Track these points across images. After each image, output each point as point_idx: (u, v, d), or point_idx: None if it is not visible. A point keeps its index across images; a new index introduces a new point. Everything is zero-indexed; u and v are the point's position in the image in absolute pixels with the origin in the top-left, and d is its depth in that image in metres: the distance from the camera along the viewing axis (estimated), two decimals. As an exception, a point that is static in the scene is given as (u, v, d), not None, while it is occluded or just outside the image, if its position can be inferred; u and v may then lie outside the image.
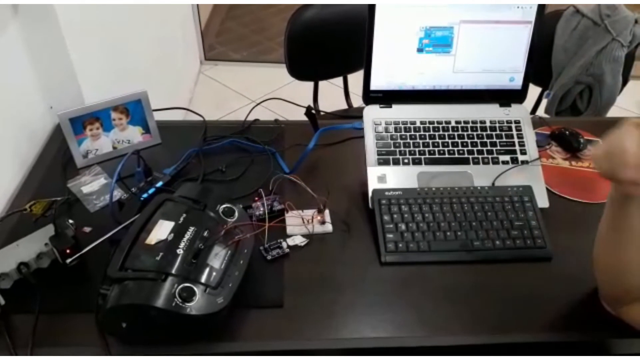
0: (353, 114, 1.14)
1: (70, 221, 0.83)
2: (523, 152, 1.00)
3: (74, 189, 0.98)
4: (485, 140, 1.01)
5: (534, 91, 1.54)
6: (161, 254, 0.71)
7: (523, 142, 1.01)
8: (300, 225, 0.90)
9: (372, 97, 1.03)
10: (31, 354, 0.71)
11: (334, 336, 0.75)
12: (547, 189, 0.97)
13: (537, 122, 1.14)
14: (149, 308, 0.66)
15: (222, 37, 3.18)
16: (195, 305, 0.67)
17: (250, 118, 1.15)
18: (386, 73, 1.01)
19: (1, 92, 0.99)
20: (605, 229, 0.71)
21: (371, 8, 0.95)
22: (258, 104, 1.18)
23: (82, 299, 0.76)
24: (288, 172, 1.00)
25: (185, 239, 0.73)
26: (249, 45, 3.11)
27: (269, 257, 0.84)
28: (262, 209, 0.91)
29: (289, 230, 0.90)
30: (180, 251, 0.72)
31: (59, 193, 0.96)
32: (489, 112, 1.04)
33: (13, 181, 1.01)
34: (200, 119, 1.15)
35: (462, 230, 0.88)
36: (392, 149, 0.99)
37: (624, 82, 1.58)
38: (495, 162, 0.99)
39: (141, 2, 1.75)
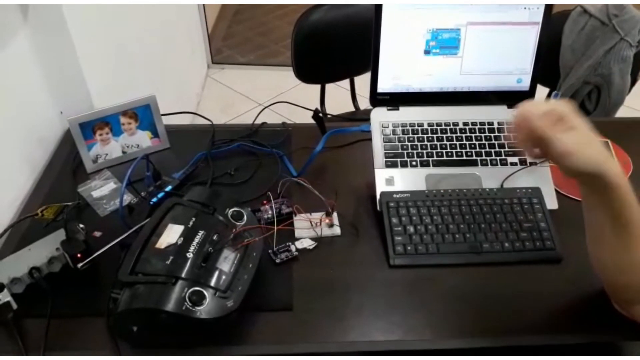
0: (360, 117, 1.14)
1: (81, 226, 0.84)
2: (531, 154, 0.99)
3: (84, 194, 0.98)
4: (493, 141, 1.00)
5: (541, 92, 1.53)
6: (171, 257, 0.71)
7: (531, 143, 1.00)
8: (309, 228, 0.90)
9: (379, 99, 1.03)
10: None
11: (343, 339, 0.75)
12: (556, 190, 0.96)
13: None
14: (160, 312, 0.66)
15: (229, 41, 3.20)
16: (205, 309, 0.68)
17: (258, 121, 1.16)
18: (393, 75, 1.01)
19: (12, 98, 1.01)
20: (599, 232, 0.69)
21: (378, 10, 0.95)
22: (265, 107, 1.19)
23: (93, 303, 0.77)
24: (296, 175, 1.01)
25: (194, 243, 0.74)
26: (255, 49, 3.13)
27: (277, 261, 0.85)
28: (270, 212, 0.91)
29: (297, 233, 0.90)
30: (190, 255, 0.72)
31: (69, 198, 0.97)
32: (497, 114, 1.03)
33: (24, 186, 1.02)
34: (208, 122, 1.15)
35: (470, 233, 0.88)
36: (400, 151, 0.99)
37: (633, 82, 1.56)
38: (504, 163, 0.99)
39: (148, 7, 1.76)
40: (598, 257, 0.72)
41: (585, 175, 0.64)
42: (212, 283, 0.71)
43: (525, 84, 1.04)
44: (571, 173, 0.65)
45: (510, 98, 1.05)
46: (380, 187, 0.95)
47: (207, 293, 0.69)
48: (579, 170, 0.64)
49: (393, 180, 0.96)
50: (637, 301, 0.70)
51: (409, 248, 0.86)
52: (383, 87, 1.02)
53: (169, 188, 0.94)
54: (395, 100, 1.03)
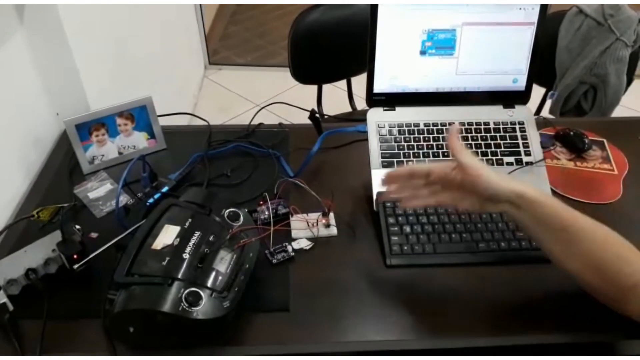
0: (357, 117, 1.14)
1: (77, 227, 0.83)
2: (527, 154, 1.00)
3: (81, 195, 0.98)
4: (489, 141, 1.01)
5: (538, 92, 1.53)
6: (167, 258, 0.71)
7: (527, 143, 1.01)
8: (305, 228, 0.90)
9: (376, 100, 1.04)
10: (40, 359, 0.72)
11: (340, 339, 0.76)
12: (552, 189, 0.97)
13: (541, 123, 1.14)
14: (156, 313, 0.66)
15: (226, 42, 3.20)
16: (202, 310, 0.68)
17: (255, 122, 1.16)
18: (389, 76, 1.02)
19: (8, 99, 1.00)
20: (546, 248, 0.72)
21: (373, 11, 0.95)
22: (262, 108, 1.19)
23: (90, 304, 0.77)
24: (292, 176, 1.01)
25: (191, 244, 0.74)
26: (253, 50, 3.13)
27: (274, 261, 0.85)
28: (267, 212, 0.91)
29: (294, 233, 0.90)
30: (186, 256, 0.72)
31: (65, 199, 0.96)
32: (493, 114, 1.04)
33: (20, 188, 1.02)
34: (205, 123, 1.15)
35: (467, 232, 0.88)
36: (396, 151, 0.99)
37: (629, 82, 1.57)
38: (500, 163, 0.99)
39: (145, 7, 1.76)
40: (562, 267, 0.72)
41: (505, 197, 0.69)
42: (209, 284, 0.71)
43: (521, 84, 1.04)
44: (489, 195, 0.70)
45: (506, 98, 1.05)
46: (377, 187, 0.95)
47: (204, 294, 0.69)
48: (496, 191, 0.69)
49: (389, 181, 0.96)
50: (623, 298, 0.70)
51: (405, 248, 0.86)
52: (379, 87, 1.02)
53: (165, 189, 0.94)
54: (392, 100, 1.04)
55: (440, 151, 0.99)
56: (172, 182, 0.98)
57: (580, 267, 0.70)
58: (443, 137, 1.01)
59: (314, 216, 0.91)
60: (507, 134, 1.01)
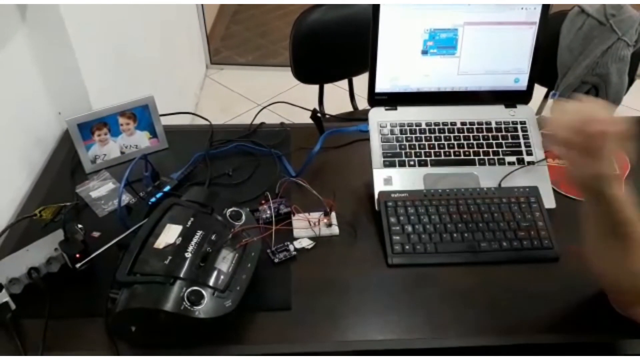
0: (358, 117, 1.14)
1: (80, 226, 0.84)
2: (529, 153, 1.00)
3: (83, 194, 0.98)
4: (491, 141, 1.01)
5: (540, 91, 1.53)
6: (169, 257, 0.71)
7: (529, 142, 1.01)
8: (307, 227, 0.90)
9: (377, 99, 1.04)
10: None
11: (342, 338, 0.76)
12: (553, 189, 0.97)
13: (542, 123, 1.14)
14: (158, 312, 0.67)
15: (228, 41, 3.20)
16: (204, 309, 0.68)
17: (256, 122, 1.16)
18: (391, 75, 1.02)
19: (10, 99, 1.01)
20: (598, 241, 0.70)
21: (375, 11, 0.95)
22: (264, 107, 1.19)
23: (92, 303, 0.77)
24: (294, 175, 1.01)
25: (193, 243, 0.74)
26: (254, 49, 3.13)
27: (276, 260, 0.85)
28: (268, 212, 0.91)
29: (295, 233, 0.90)
30: (188, 255, 0.72)
31: (67, 198, 0.97)
32: (495, 113, 1.04)
33: (22, 187, 1.02)
34: (207, 123, 1.15)
35: (468, 232, 0.88)
36: (398, 150, 0.99)
37: (630, 82, 1.57)
38: (501, 163, 0.99)
39: (146, 7, 1.76)
40: (597, 265, 0.72)
41: (586, 188, 0.68)
42: (211, 283, 0.71)
43: (523, 84, 1.04)
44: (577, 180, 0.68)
45: (507, 98, 1.05)
46: (379, 186, 0.95)
47: (206, 293, 0.69)
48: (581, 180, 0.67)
49: (391, 180, 0.96)
50: (636, 303, 0.70)
51: (407, 247, 0.86)
52: (381, 87, 1.02)
53: (167, 188, 0.94)
54: (393, 100, 1.04)
55: (442, 151, 0.99)
56: (174, 182, 0.98)
57: (617, 270, 0.69)
58: (444, 137, 1.01)
59: (315, 215, 0.91)
60: (509, 134, 1.01)
